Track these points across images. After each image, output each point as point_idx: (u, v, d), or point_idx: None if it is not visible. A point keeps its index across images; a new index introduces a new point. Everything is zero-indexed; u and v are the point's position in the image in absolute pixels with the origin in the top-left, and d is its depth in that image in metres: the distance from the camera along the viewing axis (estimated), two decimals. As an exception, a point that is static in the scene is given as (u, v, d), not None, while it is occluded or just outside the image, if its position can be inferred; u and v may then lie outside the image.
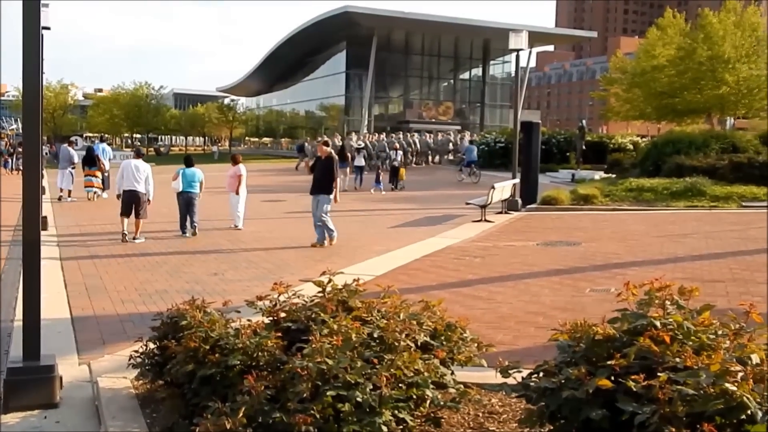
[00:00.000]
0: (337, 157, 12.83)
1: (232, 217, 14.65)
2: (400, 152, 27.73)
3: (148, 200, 13.13)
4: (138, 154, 14.06)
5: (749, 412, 2.76)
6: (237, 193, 14.47)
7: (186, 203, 13.64)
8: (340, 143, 31.56)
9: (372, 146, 34.64)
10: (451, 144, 40.54)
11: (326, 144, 12.96)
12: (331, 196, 12.19)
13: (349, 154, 27.31)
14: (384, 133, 42.37)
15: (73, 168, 21.76)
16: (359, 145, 30.48)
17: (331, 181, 12.17)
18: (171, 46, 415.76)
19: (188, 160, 14.29)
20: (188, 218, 13.68)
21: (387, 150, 34.07)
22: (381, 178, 25.33)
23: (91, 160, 21.36)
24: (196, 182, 13.80)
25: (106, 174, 22.11)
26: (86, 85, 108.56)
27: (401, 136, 39.73)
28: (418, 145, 39.05)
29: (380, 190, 24.52)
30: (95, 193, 21.26)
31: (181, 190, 13.64)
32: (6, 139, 50.65)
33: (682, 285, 3.71)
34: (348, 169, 26.67)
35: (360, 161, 27.51)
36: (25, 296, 4.90)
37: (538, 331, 6.34)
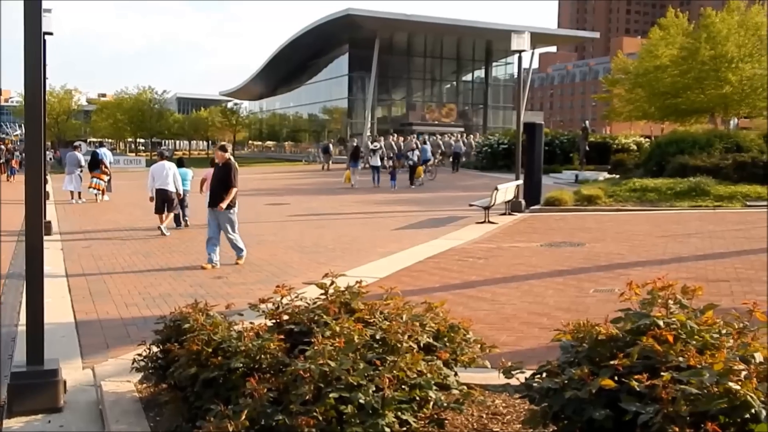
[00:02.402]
0: (236, 163, 11.00)
1: None
2: (417, 152, 28.81)
3: (178, 194, 14.76)
4: (162, 156, 15.61)
5: (753, 410, 2.74)
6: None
7: (180, 198, 15.24)
8: (354, 144, 33.22)
9: (398, 147, 35.77)
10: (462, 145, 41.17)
11: (223, 149, 11.06)
12: (235, 209, 10.75)
13: (362, 155, 28.48)
14: (426, 136, 43.53)
15: (81, 171, 22.70)
16: (375, 146, 31.60)
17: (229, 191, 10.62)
18: (170, 45, 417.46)
19: (180, 162, 16.29)
20: (180, 212, 15.25)
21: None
22: (396, 175, 27.34)
23: (95, 164, 22.38)
24: (187, 180, 15.67)
25: (108, 177, 22.73)
26: (89, 90, 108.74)
27: (437, 137, 43.37)
28: (462, 147, 40.22)
29: (394, 187, 26.30)
30: (96, 194, 22.11)
31: None
32: (10, 144, 50.80)
33: (685, 284, 3.70)
34: (359, 168, 28.55)
35: (376, 161, 29.32)
36: (29, 301, 4.93)
37: (542, 331, 6.33)
